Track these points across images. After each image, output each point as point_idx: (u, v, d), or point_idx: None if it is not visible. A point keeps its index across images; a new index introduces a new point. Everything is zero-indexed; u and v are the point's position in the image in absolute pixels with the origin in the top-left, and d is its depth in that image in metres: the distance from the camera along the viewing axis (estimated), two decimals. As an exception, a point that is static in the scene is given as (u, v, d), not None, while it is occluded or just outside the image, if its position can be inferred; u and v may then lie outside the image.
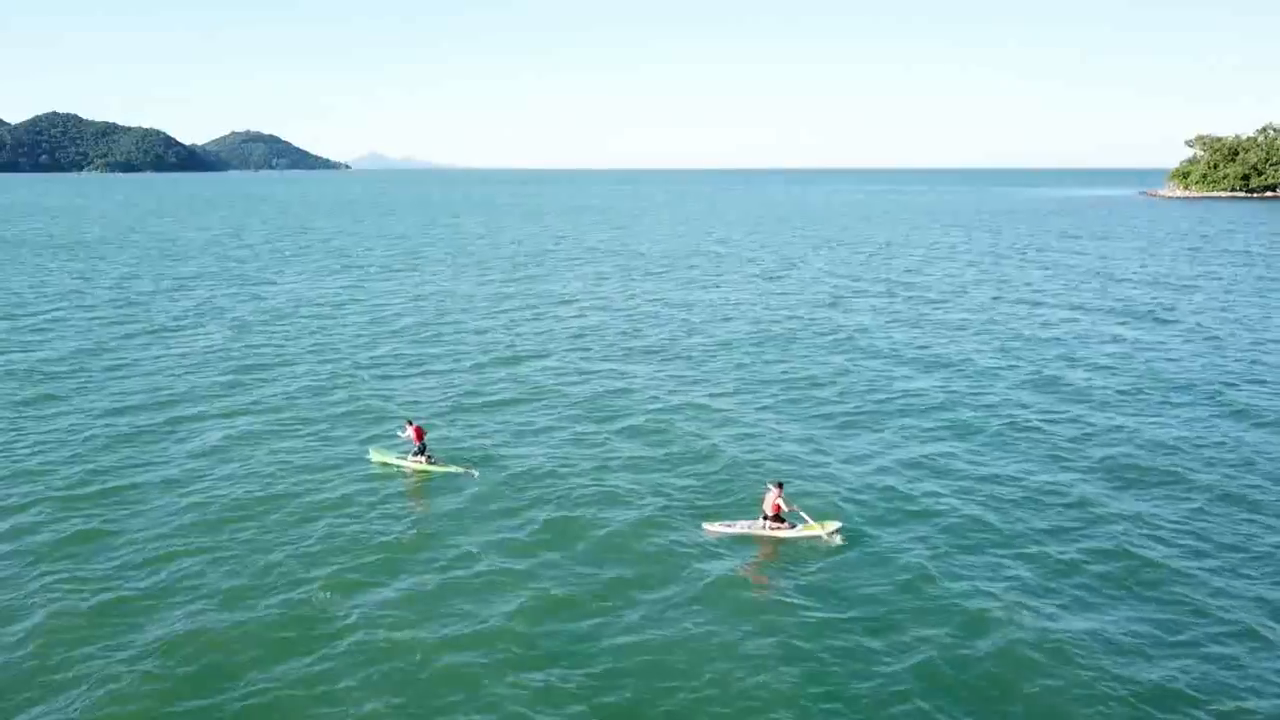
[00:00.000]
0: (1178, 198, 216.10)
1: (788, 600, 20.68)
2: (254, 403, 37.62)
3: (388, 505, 26.83)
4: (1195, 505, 26.26)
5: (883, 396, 38.48)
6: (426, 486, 28.48)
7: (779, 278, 78.33)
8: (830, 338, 51.09)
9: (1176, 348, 47.87)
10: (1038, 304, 62.62)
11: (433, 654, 18.47)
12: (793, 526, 23.67)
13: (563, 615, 19.98)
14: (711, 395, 38.87)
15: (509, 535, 24.48)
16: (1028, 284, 72.75)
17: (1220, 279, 74.87)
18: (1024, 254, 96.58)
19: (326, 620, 19.81)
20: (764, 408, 36.86)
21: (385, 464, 30.16)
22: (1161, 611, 20.11)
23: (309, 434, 33.60)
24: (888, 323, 55.82)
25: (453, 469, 29.49)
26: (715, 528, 23.85)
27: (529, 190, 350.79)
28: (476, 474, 28.96)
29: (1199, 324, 54.54)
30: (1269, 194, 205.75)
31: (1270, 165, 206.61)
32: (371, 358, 46.52)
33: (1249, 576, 21.79)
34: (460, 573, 22.19)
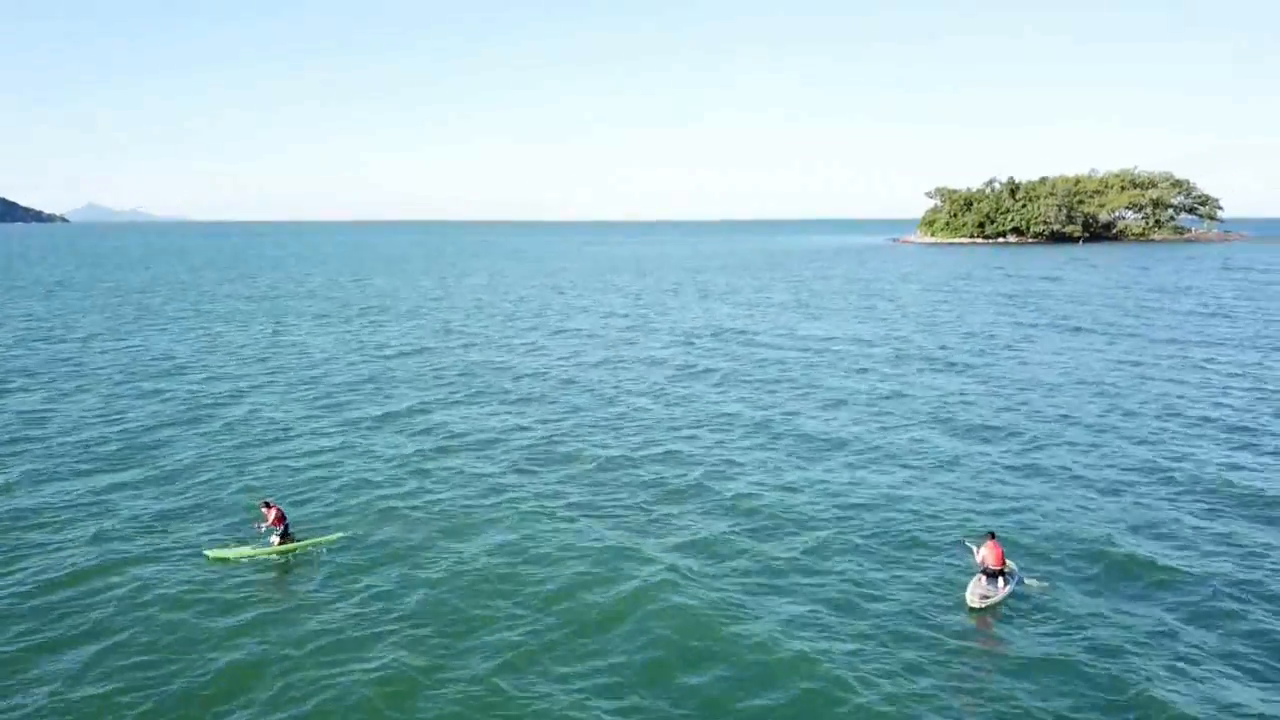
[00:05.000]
0: (926, 244, 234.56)
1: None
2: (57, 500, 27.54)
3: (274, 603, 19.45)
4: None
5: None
6: (299, 567, 22.24)
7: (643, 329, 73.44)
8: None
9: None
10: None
11: None
12: (1015, 576, 21.05)
13: None
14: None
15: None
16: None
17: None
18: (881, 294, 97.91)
19: None
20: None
21: (235, 559, 23.30)
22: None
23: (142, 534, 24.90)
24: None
25: (322, 541, 24.24)
26: (977, 602, 19.99)
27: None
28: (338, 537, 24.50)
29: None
30: (1000, 239, 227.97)
31: (1000, 214, 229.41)
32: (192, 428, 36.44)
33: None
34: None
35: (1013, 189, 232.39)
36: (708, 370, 49.07)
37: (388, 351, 55.87)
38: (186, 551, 23.48)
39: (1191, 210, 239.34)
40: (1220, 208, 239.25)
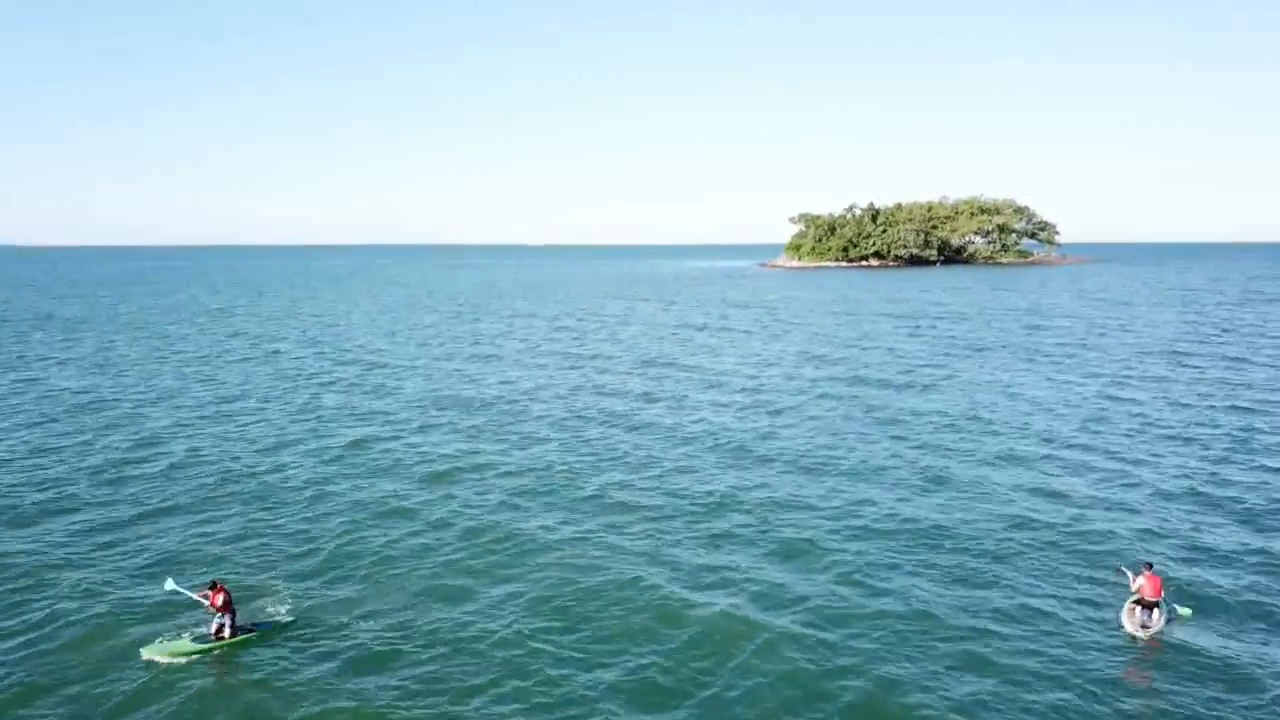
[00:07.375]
0: (794, 268, 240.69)
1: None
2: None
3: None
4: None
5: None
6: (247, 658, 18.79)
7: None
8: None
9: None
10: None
11: None
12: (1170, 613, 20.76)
13: None
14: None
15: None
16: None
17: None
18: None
19: None
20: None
21: (173, 655, 19.72)
22: None
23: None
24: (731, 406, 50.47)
25: (272, 631, 20.89)
26: (1140, 632, 19.87)
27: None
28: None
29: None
30: (863, 263, 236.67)
31: (863, 239, 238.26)
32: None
33: None
34: None
35: (874, 215, 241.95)
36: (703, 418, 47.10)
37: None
38: (112, 649, 19.70)
39: (1033, 235, 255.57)
40: (1058, 233, 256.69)
